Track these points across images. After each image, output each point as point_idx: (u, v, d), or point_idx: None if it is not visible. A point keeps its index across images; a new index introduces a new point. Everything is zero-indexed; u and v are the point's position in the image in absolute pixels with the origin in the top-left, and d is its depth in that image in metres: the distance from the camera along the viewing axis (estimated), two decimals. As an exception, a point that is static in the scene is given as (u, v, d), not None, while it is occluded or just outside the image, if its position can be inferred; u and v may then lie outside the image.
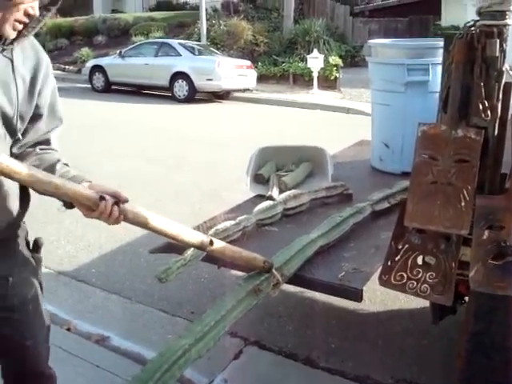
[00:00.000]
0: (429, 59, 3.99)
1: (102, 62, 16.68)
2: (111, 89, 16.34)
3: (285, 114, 13.23)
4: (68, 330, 3.41)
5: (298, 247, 2.70)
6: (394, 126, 4.14)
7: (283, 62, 17.68)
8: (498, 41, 1.90)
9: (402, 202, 2.16)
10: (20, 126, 1.73)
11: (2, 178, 1.59)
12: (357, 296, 2.50)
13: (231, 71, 14.65)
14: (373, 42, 4.44)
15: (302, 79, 16.88)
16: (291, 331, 3.48)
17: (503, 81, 1.95)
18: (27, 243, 1.92)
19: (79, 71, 18.72)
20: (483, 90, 1.93)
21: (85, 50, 22.05)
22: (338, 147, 5.42)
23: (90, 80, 16.65)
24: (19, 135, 1.73)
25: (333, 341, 3.33)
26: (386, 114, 4.29)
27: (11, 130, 1.71)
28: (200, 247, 2.05)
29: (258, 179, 3.97)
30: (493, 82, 1.93)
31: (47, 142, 1.83)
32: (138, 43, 17.37)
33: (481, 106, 1.95)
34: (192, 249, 2.78)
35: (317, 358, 3.17)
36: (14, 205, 1.77)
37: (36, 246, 1.94)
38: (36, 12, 1.65)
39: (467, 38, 1.97)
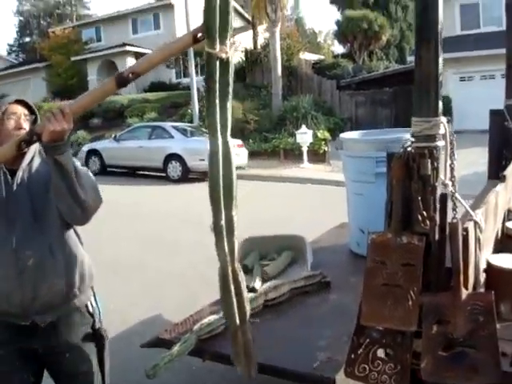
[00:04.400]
0: (396, 151, 4.31)
1: (98, 145, 17.23)
2: (107, 171, 16.79)
3: (277, 189, 13.61)
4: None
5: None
6: (367, 213, 4.43)
7: (273, 138, 18.27)
8: (429, 161, 2.20)
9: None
10: None
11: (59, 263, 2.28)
12: (329, 385, 2.71)
13: (223, 151, 15.11)
14: (343, 136, 4.80)
15: (293, 154, 17.39)
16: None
17: (438, 194, 2.24)
18: (93, 330, 2.46)
19: (75, 154, 19.23)
20: (421, 203, 2.22)
21: (81, 133, 22.68)
22: (326, 222, 5.74)
23: (86, 163, 17.11)
24: None
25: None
26: (359, 202, 4.59)
27: None
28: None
29: (243, 269, 4.22)
30: (428, 196, 2.22)
31: None
32: (132, 127, 17.99)
33: (420, 217, 2.23)
34: (179, 344, 3.02)
35: None
36: (61, 284, 2.31)
37: (100, 334, 2.48)
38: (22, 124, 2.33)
39: (404, 157, 2.28)
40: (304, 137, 16.39)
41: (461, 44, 22.07)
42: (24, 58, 52.02)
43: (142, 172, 16.52)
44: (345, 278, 3.94)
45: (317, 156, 17.05)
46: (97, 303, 2.56)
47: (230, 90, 2.02)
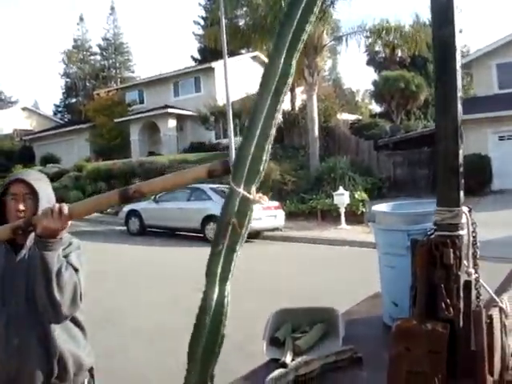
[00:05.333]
0: (427, 224, 4.33)
1: (138, 206, 17.56)
2: (146, 231, 17.07)
3: (314, 252, 13.61)
4: None
5: None
6: (400, 286, 4.40)
7: (311, 199, 18.34)
8: (452, 250, 2.25)
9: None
10: None
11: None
12: None
13: (260, 212, 15.24)
14: (375, 209, 4.85)
15: (330, 215, 17.41)
16: None
17: (461, 282, 2.28)
18: None
19: (116, 213, 19.63)
20: (444, 291, 2.27)
21: (122, 193, 23.12)
22: (364, 287, 5.75)
23: (126, 223, 17.48)
24: None
25: None
26: (391, 275, 4.59)
27: None
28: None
29: (275, 342, 4.26)
30: (452, 284, 2.27)
31: None
32: (172, 188, 18.28)
33: (444, 305, 2.27)
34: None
35: None
36: (39, 372, 2.31)
37: None
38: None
39: (428, 245, 2.34)
40: (341, 198, 16.45)
41: (499, 103, 22.10)
42: (69, 118, 53.87)
43: (180, 233, 16.73)
44: (377, 354, 3.91)
45: (354, 217, 17.04)
46: None
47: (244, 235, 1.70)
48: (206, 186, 17.06)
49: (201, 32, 48.78)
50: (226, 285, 1.79)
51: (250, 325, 7.18)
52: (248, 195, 1.74)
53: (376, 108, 41.80)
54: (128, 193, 1.93)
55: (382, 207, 4.92)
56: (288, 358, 3.87)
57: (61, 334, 2.38)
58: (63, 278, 2.17)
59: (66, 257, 2.28)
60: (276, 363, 3.92)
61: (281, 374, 3.59)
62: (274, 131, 1.74)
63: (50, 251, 2.12)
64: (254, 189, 1.74)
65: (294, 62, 1.76)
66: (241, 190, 1.73)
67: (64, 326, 2.38)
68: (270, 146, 1.73)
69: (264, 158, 1.75)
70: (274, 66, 1.75)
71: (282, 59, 1.74)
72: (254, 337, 6.64)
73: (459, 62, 2.30)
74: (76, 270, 2.28)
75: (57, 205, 2.03)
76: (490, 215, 13.39)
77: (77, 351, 2.45)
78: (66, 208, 2.00)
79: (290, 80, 1.74)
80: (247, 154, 1.75)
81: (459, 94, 2.29)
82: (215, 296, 1.79)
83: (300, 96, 27.85)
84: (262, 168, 1.75)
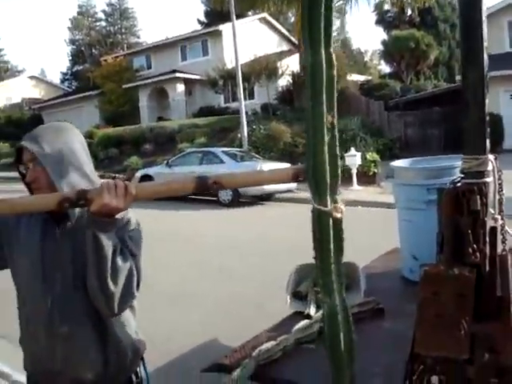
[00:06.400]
0: (446, 179, 4.38)
1: (151, 171, 17.66)
2: (160, 196, 17.20)
3: (326, 212, 13.67)
4: None
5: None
6: (419, 240, 4.50)
7: (322, 161, 18.30)
8: (478, 197, 2.31)
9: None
10: None
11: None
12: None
13: (272, 175, 15.28)
14: (394, 164, 4.90)
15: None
16: None
17: (487, 228, 2.34)
18: None
19: (129, 180, 19.72)
20: (471, 237, 2.33)
21: (133, 158, 23.24)
22: (378, 246, 5.87)
23: (140, 188, 17.61)
24: None
25: None
26: (410, 229, 4.67)
27: None
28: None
29: (297, 296, 4.37)
30: (479, 230, 2.33)
31: None
32: (184, 152, 18.37)
33: (471, 250, 2.34)
34: (239, 369, 3.17)
35: None
36: (93, 360, 2.07)
37: None
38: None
39: (454, 193, 2.40)
40: (353, 159, 16.45)
41: (510, 61, 21.84)
42: (77, 85, 53.70)
43: (194, 196, 16.82)
44: (398, 305, 4.02)
45: (366, 178, 17.07)
46: (147, 374, 2.37)
47: (343, 245, 1.83)
48: (217, 150, 17.10)
49: (207, -5, 48.22)
50: (341, 293, 1.87)
51: (268, 285, 7.31)
52: (325, 209, 1.74)
53: (385, 68, 41.46)
54: (206, 182, 1.82)
55: (401, 163, 4.98)
56: (312, 310, 3.98)
57: (115, 319, 2.09)
58: (118, 265, 1.87)
59: (121, 239, 1.95)
60: (300, 315, 4.03)
61: (306, 324, 3.70)
62: (336, 133, 1.69)
63: (106, 233, 1.81)
64: (336, 198, 1.77)
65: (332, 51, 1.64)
66: (316, 205, 1.76)
67: None
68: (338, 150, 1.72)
69: (338, 163, 1.77)
70: (316, 61, 1.61)
71: (323, 50, 1.61)
72: (271, 296, 6.79)
73: (485, 11, 2.33)
74: (134, 256, 1.98)
75: (120, 182, 1.78)
76: (505, 174, 13.37)
77: (133, 336, 2.21)
78: (132, 186, 1.77)
79: (335, 72, 1.63)
80: (318, 163, 1.75)
81: (485, 43, 2.32)
82: (339, 306, 1.89)
83: (309, 58, 27.55)
84: (339, 174, 1.82)
